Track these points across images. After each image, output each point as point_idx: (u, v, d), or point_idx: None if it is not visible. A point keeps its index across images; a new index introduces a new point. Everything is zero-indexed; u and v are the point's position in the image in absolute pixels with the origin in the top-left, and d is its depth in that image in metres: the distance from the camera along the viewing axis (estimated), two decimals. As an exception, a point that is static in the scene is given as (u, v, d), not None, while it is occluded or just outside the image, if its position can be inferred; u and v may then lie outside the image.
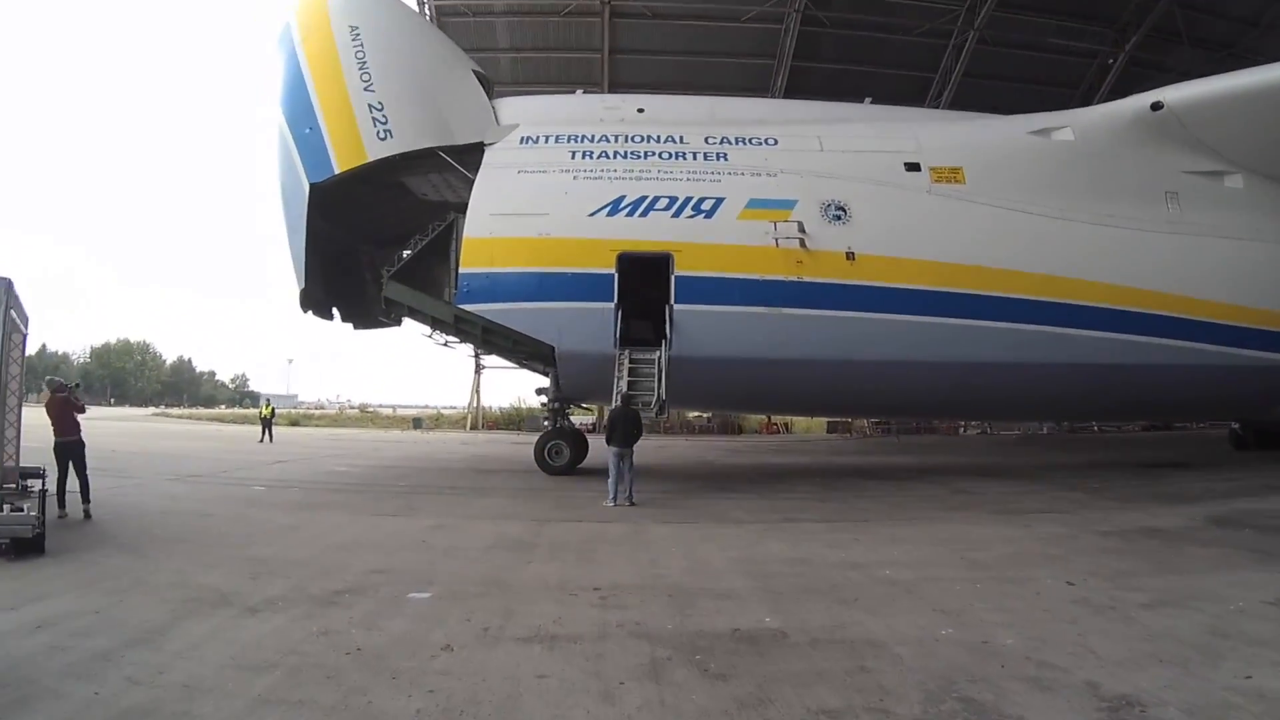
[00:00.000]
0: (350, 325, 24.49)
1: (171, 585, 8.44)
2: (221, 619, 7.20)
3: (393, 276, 21.03)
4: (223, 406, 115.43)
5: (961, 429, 44.56)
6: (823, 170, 19.67)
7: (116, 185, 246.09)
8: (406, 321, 22.75)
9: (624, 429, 15.27)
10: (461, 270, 18.94)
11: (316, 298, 21.62)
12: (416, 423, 55.90)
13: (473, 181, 19.61)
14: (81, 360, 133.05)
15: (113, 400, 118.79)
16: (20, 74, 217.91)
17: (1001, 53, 34.00)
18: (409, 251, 21.64)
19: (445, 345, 24.58)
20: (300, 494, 16.68)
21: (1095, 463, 25.16)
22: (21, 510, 10.10)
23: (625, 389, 17.16)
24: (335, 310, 23.57)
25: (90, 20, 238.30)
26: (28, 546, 9.68)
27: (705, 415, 47.87)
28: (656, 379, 17.55)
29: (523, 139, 20.46)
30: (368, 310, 23.98)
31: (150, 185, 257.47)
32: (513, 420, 52.27)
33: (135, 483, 17.68)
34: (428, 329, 22.22)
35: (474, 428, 50.57)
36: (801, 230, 18.36)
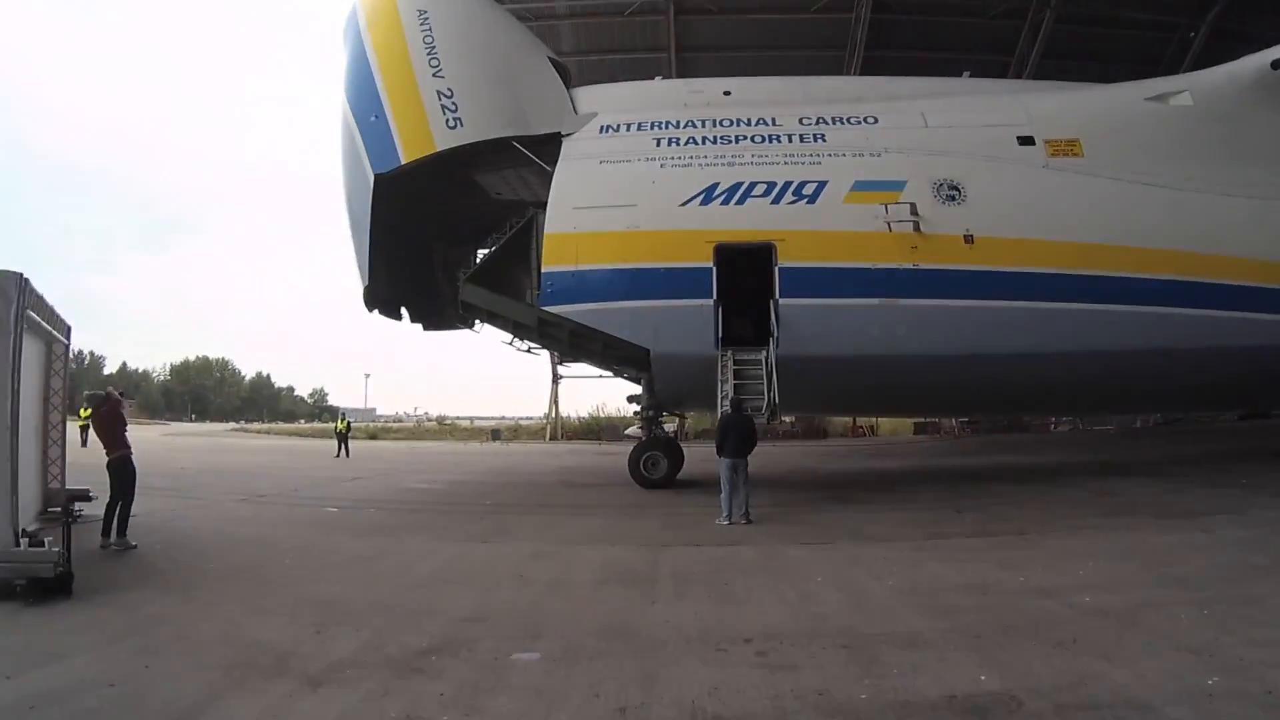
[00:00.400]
0: (420, 326, 22.70)
1: (218, 641, 6.58)
2: (274, 696, 5.27)
3: (469, 279, 19.08)
4: (301, 421, 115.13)
5: (1053, 424, 41.54)
6: (930, 148, 17.49)
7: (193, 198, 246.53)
8: (485, 328, 20.64)
9: (736, 438, 13.18)
10: (544, 269, 17.03)
11: (383, 296, 19.97)
12: (495, 434, 53.58)
13: (551, 175, 17.73)
14: (161, 378, 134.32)
15: (193, 416, 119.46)
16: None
17: (1079, 31, 31.05)
18: (486, 251, 19.71)
19: (528, 352, 22.64)
20: (377, 516, 14.77)
21: (1218, 453, 22.65)
22: (43, 544, 8.32)
23: (731, 393, 14.97)
24: (404, 310, 21.80)
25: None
26: (51, 587, 7.80)
27: (789, 419, 45.31)
28: (765, 381, 15.36)
29: (602, 128, 18.53)
30: (439, 311, 22.26)
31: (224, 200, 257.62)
32: (592, 430, 50.01)
33: (198, 504, 15.99)
34: (508, 335, 20.25)
35: (553, 438, 48.56)
36: (915, 212, 16.17)
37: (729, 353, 15.91)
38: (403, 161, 17.66)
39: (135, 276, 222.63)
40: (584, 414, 53.52)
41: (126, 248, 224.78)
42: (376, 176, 17.76)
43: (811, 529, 12.43)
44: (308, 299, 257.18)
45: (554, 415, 50.01)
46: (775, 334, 15.78)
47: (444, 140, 17.71)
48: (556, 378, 46.31)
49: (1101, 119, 18.23)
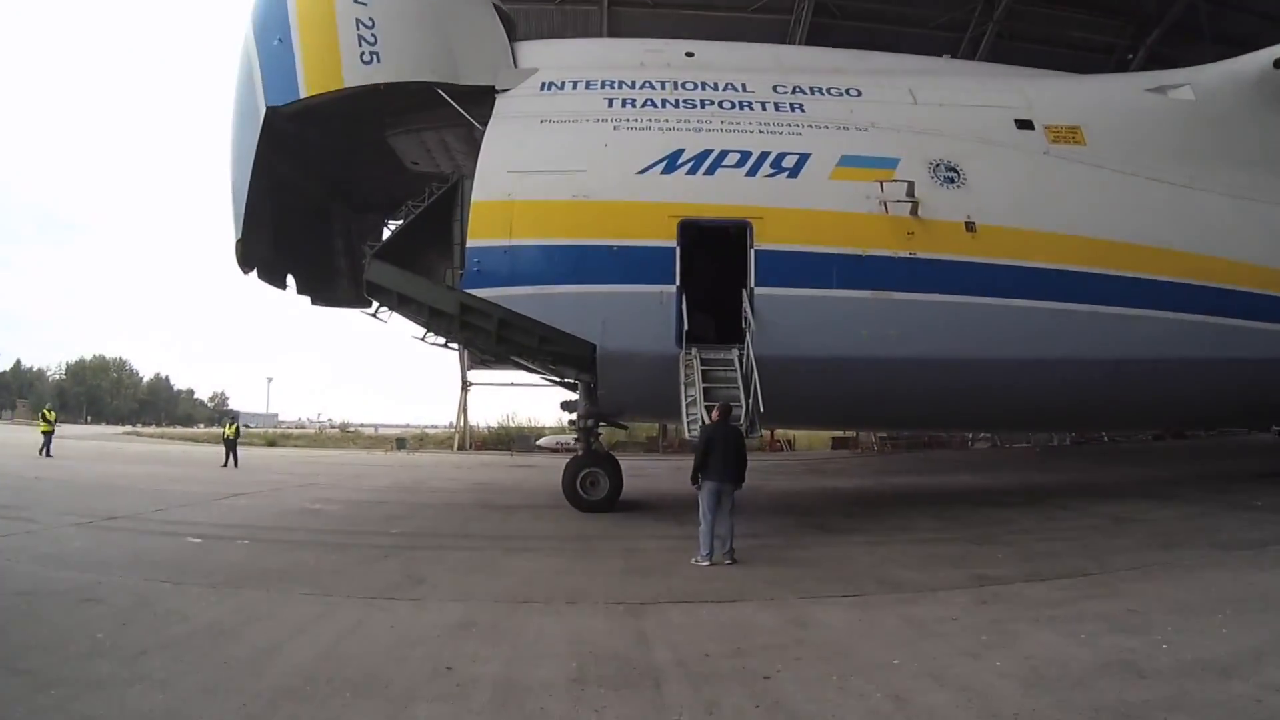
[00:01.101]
0: (308, 299, 18.47)
1: None
2: None
3: (377, 255, 14.88)
4: (200, 425, 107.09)
5: (970, 441, 39.40)
6: (922, 126, 14.52)
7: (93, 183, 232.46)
8: (393, 318, 16.42)
9: (724, 456, 9.79)
10: (470, 244, 13.18)
11: (264, 257, 15.92)
12: (400, 443, 48.60)
13: (480, 141, 13.92)
14: (57, 377, 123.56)
15: (88, 419, 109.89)
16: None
17: (1019, 47, 29.14)
18: (398, 224, 15.66)
19: (444, 346, 18.45)
20: (250, 552, 10.63)
21: (1188, 476, 20.25)
22: None
23: (702, 398, 11.44)
24: (291, 278, 17.70)
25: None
26: None
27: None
28: (741, 385, 11.81)
29: (544, 85, 14.82)
30: (332, 284, 18.47)
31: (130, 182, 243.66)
32: (502, 440, 46.18)
33: (24, 529, 11.71)
34: (420, 328, 16.20)
35: (462, 448, 44.22)
36: (911, 193, 13.06)
37: (694, 351, 12.42)
38: (302, 95, 13.88)
39: (36, 272, 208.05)
40: (493, 423, 49.91)
41: (28, 242, 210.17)
42: (269, 109, 13.90)
43: (819, 572, 9.25)
44: (211, 299, 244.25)
45: (463, 424, 45.74)
46: (750, 328, 12.33)
47: (354, 76, 13.93)
48: (466, 384, 42.21)
49: (1103, 107, 15.69)
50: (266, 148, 14.22)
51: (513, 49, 15.74)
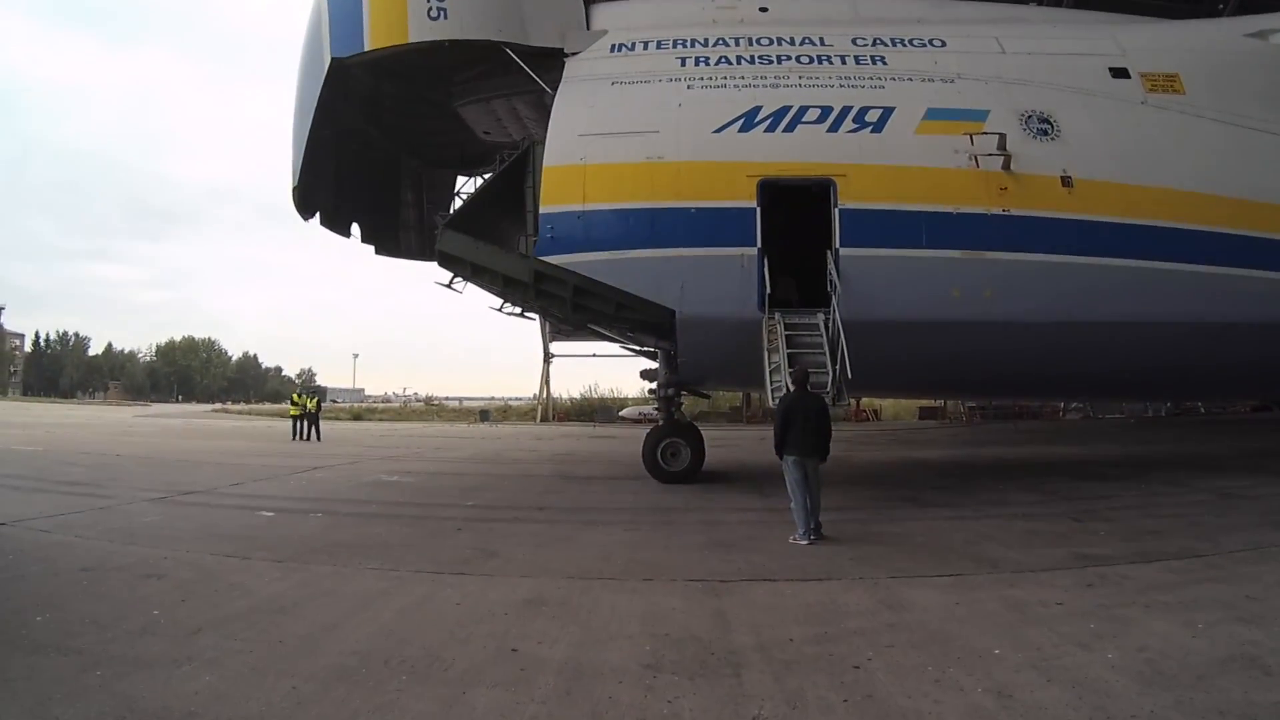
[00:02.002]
0: (372, 248, 18.25)
1: None
2: None
3: (449, 224, 14.49)
4: (289, 401, 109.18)
5: (1063, 412, 37.89)
6: (1011, 76, 13.49)
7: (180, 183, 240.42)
8: (469, 288, 16.04)
9: (806, 427, 9.10)
10: (542, 210, 12.68)
11: (325, 205, 15.79)
12: (484, 415, 48.59)
13: (549, 108, 13.43)
14: (147, 359, 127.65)
15: (179, 398, 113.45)
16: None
17: None
18: (468, 181, 15.40)
19: (521, 315, 18.13)
20: (320, 525, 10.38)
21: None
22: None
23: (786, 364, 10.78)
24: (356, 227, 17.52)
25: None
26: None
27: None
28: (827, 352, 11.12)
29: (614, 46, 14.18)
30: (396, 235, 18.25)
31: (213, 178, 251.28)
32: (585, 411, 46.16)
33: (99, 505, 11.57)
34: (496, 299, 15.87)
35: (544, 420, 44.21)
36: (1003, 146, 12.13)
37: (777, 316, 11.73)
38: (367, 47, 13.62)
39: (131, 263, 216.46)
40: (576, 394, 49.99)
41: (124, 236, 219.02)
42: (333, 60, 13.68)
43: (910, 548, 8.58)
44: (298, 278, 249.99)
45: (545, 396, 45.64)
46: (836, 291, 11.62)
47: (420, 31, 13.45)
48: (548, 356, 41.90)
49: (1201, 53, 14.38)
50: (338, 98, 14.04)
51: (588, 11, 15.12)
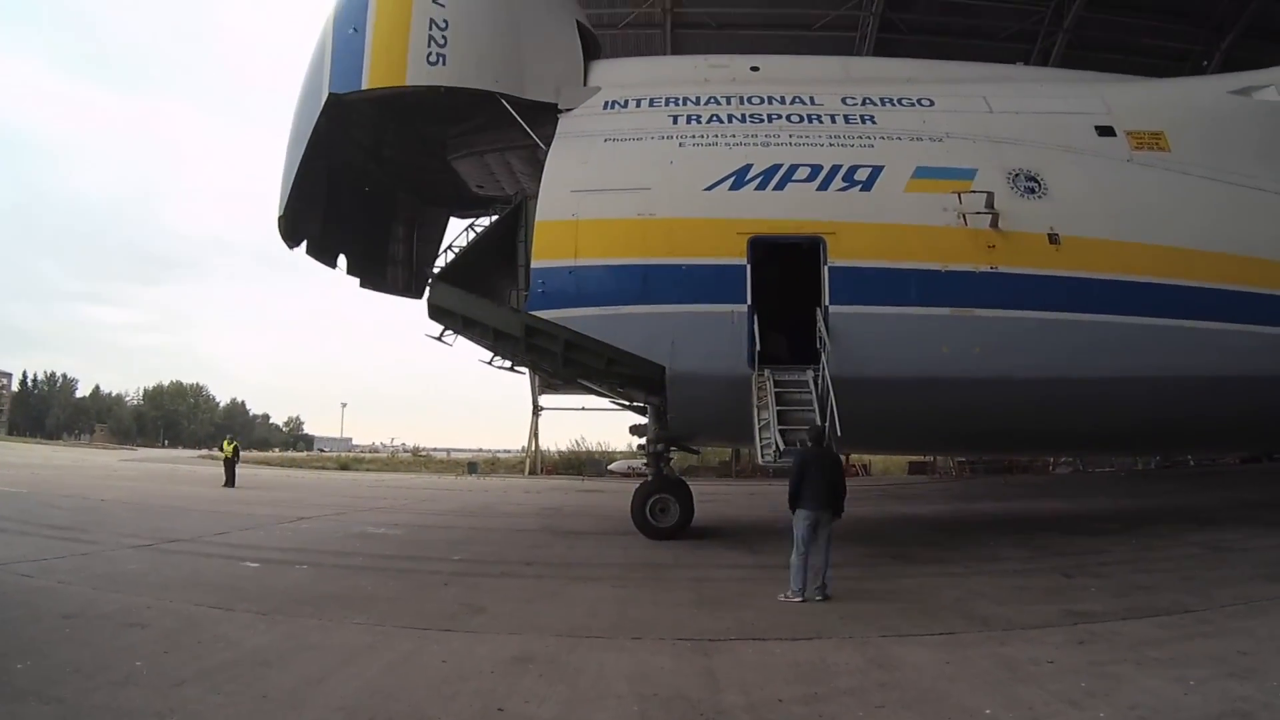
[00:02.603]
0: (357, 281, 18.19)
1: None
2: None
3: (441, 276, 14.79)
4: (275, 450, 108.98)
5: (1052, 466, 37.90)
6: (999, 135, 13.84)
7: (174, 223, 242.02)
8: (459, 340, 16.19)
9: (819, 481, 9.13)
10: (534, 264, 12.91)
11: (313, 234, 15.95)
12: (471, 467, 48.52)
13: (543, 163, 13.75)
14: (135, 402, 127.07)
15: (165, 442, 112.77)
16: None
17: (1091, 56, 28.19)
18: (460, 235, 15.86)
19: (510, 369, 18.19)
20: (306, 577, 10.43)
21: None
22: None
23: (775, 421, 10.91)
24: (343, 258, 17.57)
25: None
26: None
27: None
28: (816, 408, 11.26)
29: (607, 104, 14.56)
30: (383, 268, 18.35)
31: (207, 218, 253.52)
32: (573, 464, 46.03)
33: (84, 550, 11.72)
34: (486, 351, 16.00)
35: (533, 473, 44.05)
36: (991, 204, 12.41)
37: (766, 372, 11.90)
38: (364, 86, 13.93)
39: (127, 306, 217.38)
40: (564, 447, 49.58)
41: (124, 280, 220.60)
42: (331, 95, 13.96)
43: (901, 606, 8.63)
44: (290, 326, 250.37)
45: (534, 449, 45.46)
46: (826, 348, 11.78)
47: (417, 75, 13.82)
48: (537, 409, 41.78)
49: (1186, 111, 14.81)
50: (337, 130, 14.39)
51: (586, 68, 15.52)
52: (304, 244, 15.97)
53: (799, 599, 8.69)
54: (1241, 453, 31.92)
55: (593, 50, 16.23)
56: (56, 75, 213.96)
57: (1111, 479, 32.72)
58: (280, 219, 14.95)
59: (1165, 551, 12.10)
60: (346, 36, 14.35)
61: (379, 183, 17.29)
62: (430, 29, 13.90)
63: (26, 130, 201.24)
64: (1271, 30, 26.86)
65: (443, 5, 14.17)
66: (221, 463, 29.67)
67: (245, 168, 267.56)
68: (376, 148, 16.46)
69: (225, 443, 30.94)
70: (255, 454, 76.27)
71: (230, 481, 27.77)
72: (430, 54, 13.78)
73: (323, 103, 13.99)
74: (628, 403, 16.75)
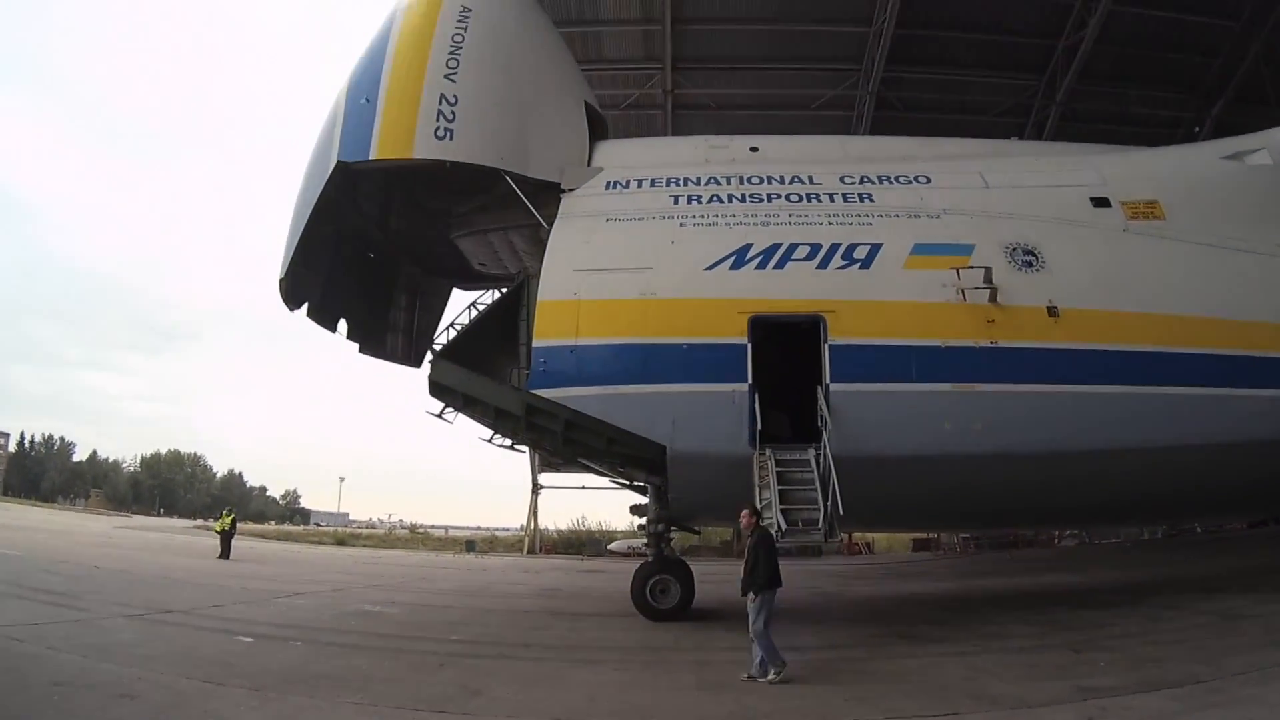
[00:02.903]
0: (357, 346, 18.12)
1: None
2: None
3: (441, 354, 14.93)
4: (271, 522, 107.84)
5: (1058, 538, 37.50)
6: (995, 210, 14.06)
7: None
8: (459, 418, 16.10)
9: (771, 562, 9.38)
10: (536, 343, 13.02)
11: (313, 297, 15.98)
12: (469, 546, 48.29)
13: (545, 242, 14.00)
14: (132, 469, 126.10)
15: (161, 511, 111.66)
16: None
17: (1084, 127, 28.75)
18: (460, 306, 15.99)
19: (510, 448, 18.12)
20: (300, 655, 10.25)
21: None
22: None
23: (777, 500, 10.97)
24: (343, 323, 17.54)
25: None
26: None
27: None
28: (819, 487, 11.27)
29: (609, 184, 14.87)
30: (383, 336, 18.36)
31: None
32: (573, 544, 45.50)
33: (75, 617, 11.69)
34: (486, 429, 15.99)
35: (531, 552, 43.57)
36: (989, 279, 12.56)
37: (768, 452, 11.89)
38: (372, 156, 14.10)
39: (127, 374, 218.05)
40: (564, 526, 49.13)
41: (124, 349, 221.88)
42: (339, 163, 14.13)
43: (907, 686, 8.55)
44: (290, 399, 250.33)
45: (533, 527, 44.86)
46: (828, 427, 11.79)
47: (425, 148, 14.01)
48: (536, 487, 41.03)
49: (1179, 179, 15.06)
50: (346, 197, 14.67)
51: (591, 148, 15.88)
52: (305, 307, 16.05)
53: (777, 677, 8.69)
54: (1248, 518, 31.64)
55: (600, 131, 16.67)
56: (69, 144, 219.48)
57: (1118, 550, 32.40)
58: (281, 281, 15.07)
59: (1175, 622, 12.01)
60: (359, 106, 14.64)
61: (384, 251, 17.47)
62: (440, 104, 14.19)
63: (34, 196, 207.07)
64: (1260, 94, 27.48)
65: (454, 82, 14.51)
66: (217, 534, 29.44)
67: (250, 241, 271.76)
68: (383, 217, 16.69)
69: (224, 514, 30.83)
70: (251, 526, 75.76)
71: (225, 554, 27.48)
72: (439, 129, 14.01)
73: (330, 170, 14.19)
74: (628, 482, 16.66)
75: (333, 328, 17.24)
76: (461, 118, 14.26)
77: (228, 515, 30.44)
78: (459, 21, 15.22)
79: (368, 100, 14.57)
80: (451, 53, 14.80)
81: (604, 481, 18.44)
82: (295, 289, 15.37)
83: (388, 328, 18.47)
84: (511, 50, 15.90)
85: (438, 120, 14.11)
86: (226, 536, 28.41)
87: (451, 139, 14.10)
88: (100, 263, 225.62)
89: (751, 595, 9.16)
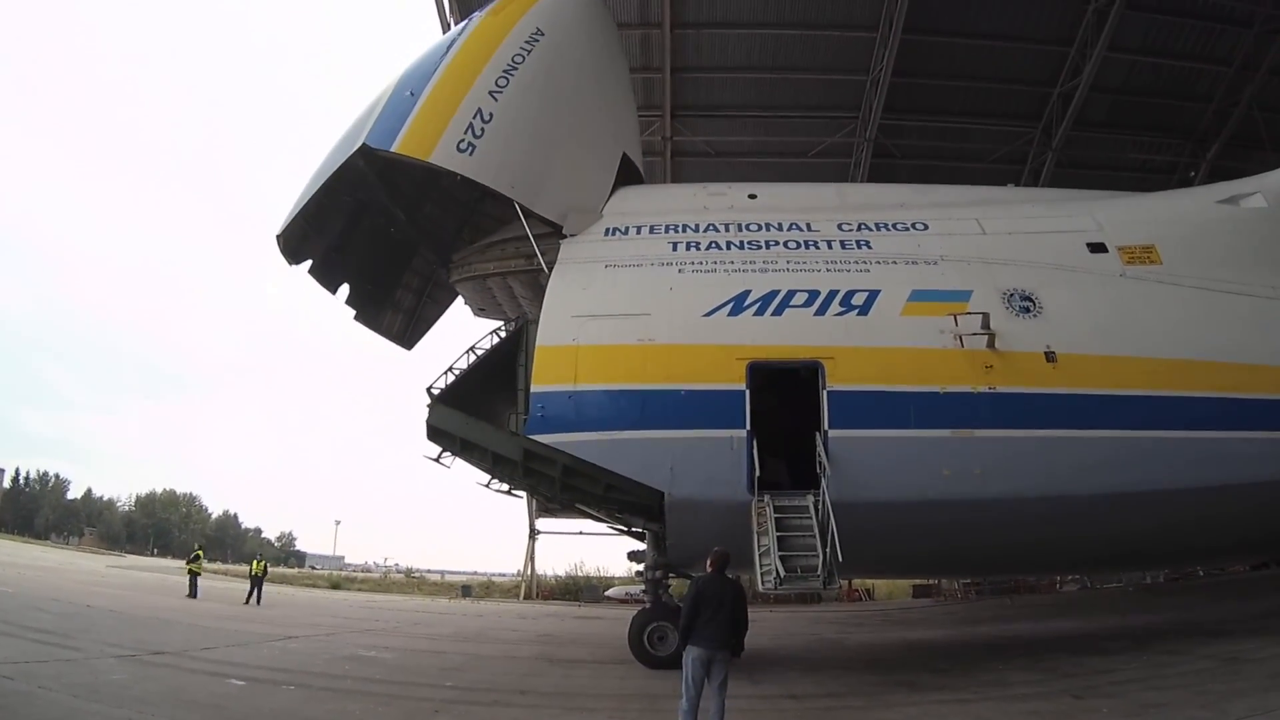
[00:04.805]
0: (353, 312, 18.10)
1: None
2: None
3: (439, 399, 14.93)
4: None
5: (1059, 584, 37.25)
6: (992, 256, 14.20)
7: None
8: (456, 462, 16.02)
9: (719, 615, 7.77)
10: (534, 389, 13.08)
11: (316, 257, 16.25)
12: (465, 590, 48.36)
13: (544, 287, 14.13)
14: (126, 508, 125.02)
15: (155, 551, 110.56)
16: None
17: (1081, 174, 29.12)
18: (462, 365, 15.79)
19: (508, 493, 18.04)
20: (293, 699, 10.14)
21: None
22: None
23: (776, 547, 10.89)
24: (346, 287, 17.63)
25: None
26: None
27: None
28: (818, 534, 11.26)
29: (608, 230, 15.04)
30: (381, 309, 18.50)
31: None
32: (570, 590, 45.58)
33: (66, 657, 11.52)
34: (484, 475, 15.97)
35: (528, 597, 43.41)
36: (987, 325, 12.66)
37: (766, 498, 11.89)
38: (392, 148, 14.11)
39: (131, 418, 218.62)
40: (561, 572, 49.51)
41: (135, 395, 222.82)
42: (364, 145, 14.23)
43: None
44: (283, 440, 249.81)
45: (530, 573, 44.71)
46: (826, 473, 11.80)
47: (442, 156, 14.04)
48: (534, 533, 40.88)
49: (1175, 224, 15.17)
50: (375, 172, 14.95)
51: (611, 197, 16.08)
52: (307, 264, 16.21)
53: None
54: (1249, 560, 31.49)
55: (633, 180, 16.93)
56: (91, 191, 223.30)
57: (1120, 594, 32.17)
58: (279, 236, 15.21)
59: (1178, 666, 11.82)
60: (402, 97, 14.79)
61: (406, 232, 17.36)
62: (474, 117, 14.30)
63: (52, 241, 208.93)
64: (1255, 138, 27.81)
65: (495, 100, 14.67)
66: (249, 579, 29.94)
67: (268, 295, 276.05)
68: (419, 200, 16.79)
69: (255, 562, 31.75)
70: (242, 567, 75.29)
71: (255, 599, 27.52)
72: (463, 141, 14.08)
73: (355, 148, 14.27)
74: (626, 528, 16.59)
75: (333, 289, 17.31)
76: (489, 136, 14.32)
77: (259, 562, 31.12)
78: (526, 42, 15.44)
79: (411, 94, 14.70)
80: (505, 71, 14.98)
81: (602, 527, 18.39)
82: (299, 246, 15.60)
83: (390, 304, 18.60)
84: (564, 84, 16.08)
85: (465, 133, 14.18)
86: (257, 581, 28.60)
87: (472, 154, 14.14)
88: (115, 309, 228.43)
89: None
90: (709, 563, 8.43)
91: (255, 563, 31.30)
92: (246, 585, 29.32)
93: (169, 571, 53.88)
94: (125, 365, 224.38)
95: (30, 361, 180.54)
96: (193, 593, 27.63)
